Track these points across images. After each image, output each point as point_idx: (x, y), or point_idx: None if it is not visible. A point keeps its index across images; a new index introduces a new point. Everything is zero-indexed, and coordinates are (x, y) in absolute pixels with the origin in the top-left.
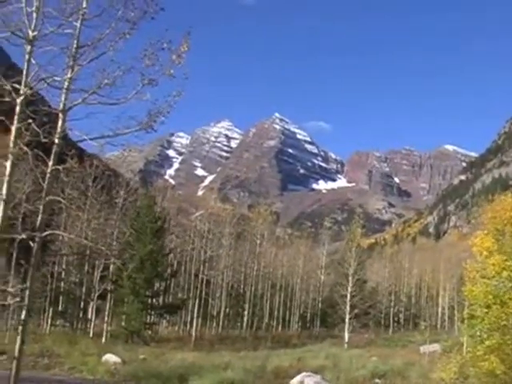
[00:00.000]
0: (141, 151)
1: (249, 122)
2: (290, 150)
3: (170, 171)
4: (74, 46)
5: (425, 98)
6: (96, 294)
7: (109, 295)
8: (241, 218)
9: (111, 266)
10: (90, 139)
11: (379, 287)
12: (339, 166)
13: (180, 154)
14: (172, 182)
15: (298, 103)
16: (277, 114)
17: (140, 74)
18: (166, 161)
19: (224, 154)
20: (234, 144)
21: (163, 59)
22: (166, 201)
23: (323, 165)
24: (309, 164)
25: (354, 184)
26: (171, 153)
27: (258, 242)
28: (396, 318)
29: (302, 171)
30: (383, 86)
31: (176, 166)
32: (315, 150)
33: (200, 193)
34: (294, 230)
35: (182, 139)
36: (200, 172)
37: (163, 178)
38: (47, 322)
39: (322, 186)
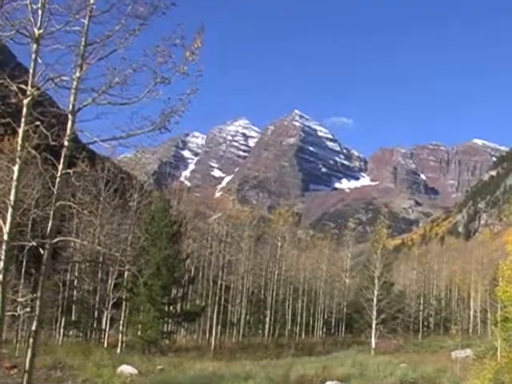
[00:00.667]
0: (154, 152)
1: (267, 120)
2: (311, 148)
3: (186, 173)
4: (82, 43)
5: (452, 90)
6: (110, 303)
7: (124, 304)
8: (260, 220)
9: (126, 273)
10: (102, 141)
11: (407, 290)
12: (362, 163)
13: (196, 154)
14: (188, 183)
15: (318, 98)
16: (296, 111)
17: (152, 72)
18: (181, 162)
19: (241, 153)
20: (251, 143)
21: (176, 56)
22: (181, 204)
23: (346, 163)
24: (331, 162)
25: (378, 182)
26: (186, 153)
27: (279, 244)
28: (425, 323)
29: (323, 170)
30: (408, 79)
31: (192, 167)
32: (337, 148)
33: (217, 194)
34: (316, 232)
35: (197, 139)
36: (217, 173)
37: (178, 180)
38: (59, 333)
39: (344, 184)
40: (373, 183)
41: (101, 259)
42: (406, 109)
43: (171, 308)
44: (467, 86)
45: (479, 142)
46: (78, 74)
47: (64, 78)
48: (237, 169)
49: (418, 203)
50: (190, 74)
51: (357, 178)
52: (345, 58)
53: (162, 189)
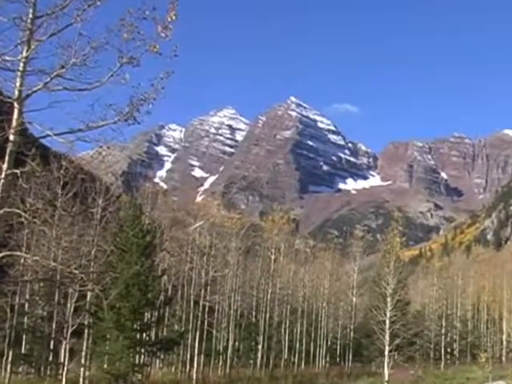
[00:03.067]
0: (122, 149)
1: (257, 109)
2: (310, 142)
3: (161, 173)
4: (30, 15)
5: (477, 74)
6: (69, 331)
7: (86, 331)
8: (251, 229)
9: (88, 295)
10: (56, 135)
11: (426, 310)
12: (371, 160)
13: (173, 150)
14: (164, 186)
15: (318, 84)
16: (292, 98)
17: (117, 52)
18: (155, 160)
19: (227, 149)
20: (239, 137)
21: (146, 32)
22: (156, 210)
23: (351, 159)
24: (334, 159)
25: (390, 182)
26: (162, 150)
27: (273, 257)
28: (449, 349)
29: (325, 168)
30: (423, 60)
31: (168, 166)
32: (341, 141)
33: (199, 199)
34: (317, 242)
35: (174, 132)
36: (198, 173)
37: (152, 182)
38: (6, 369)
39: (350, 185)
40: (384, 183)
41: (57, 278)
42: (423, 95)
43: (144, 335)
44: (494, 68)
45: (511, 132)
46: (24, 54)
47: (7, 57)
48: (222, 168)
49: (437, 206)
50: (164, 53)
51: (365, 178)
52: (349, 36)
53: (133, 192)
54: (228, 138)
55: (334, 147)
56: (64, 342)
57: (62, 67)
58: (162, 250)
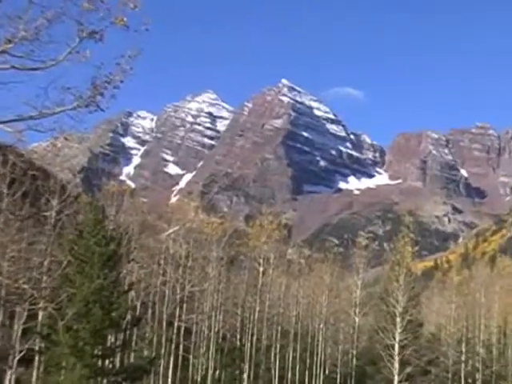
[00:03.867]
0: (82, 140)
1: (243, 94)
2: (305, 133)
3: (128, 169)
4: None
5: (500, 57)
6: (16, 358)
7: (37, 358)
8: (235, 236)
9: (40, 314)
10: (2, 122)
11: (443, 333)
12: (378, 154)
13: (142, 143)
14: (131, 184)
15: (314, 66)
16: (284, 81)
17: (76, 24)
18: (121, 154)
19: (207, 141)
20: (221, 126)
21: (110, 1)
22: (122, 213)
23: (354, 153)
24: (333, 153)
25: (400, 181)
26: (129, 142)
27: (261, 269)
28: (470, 380)
29: (322, 163)
30: (438, 37)
31: (136, 161)
32: (342, 132)
33: (173, 200)
34: (313, 251)
35: (144, 121)
36: (173, 169)
37: (118, 180)
38: None
39: (352, 184)
40: (392, 182)
41: (2, 294)
42: (439, 78)
43: (107, 362)
44: None
45: None
46: None
47: None
48: (201, 163)
49: (456, 210)
50: (132, 27)
51: (369, 175)
52: (351, 11)
53: (94, 192)
54: (208, 128)
55: (334, 139)
56: (9, 372)
57: (9, 41)
58: (130, 261)
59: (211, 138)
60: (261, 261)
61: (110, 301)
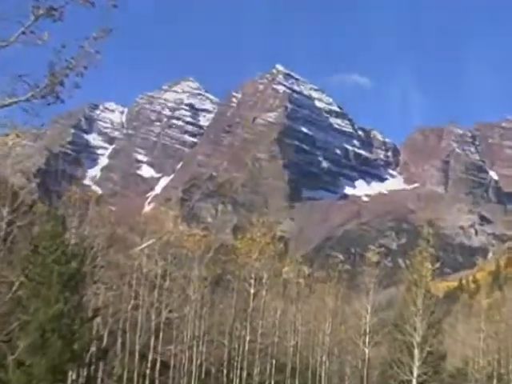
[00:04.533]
0: (38, 137)
1: (230, 82)
2: (304, 129)
3: (94, 171)
4: None
5: None
6: None
7: None
8: (221, 251)
9: None
10: None
11: (470, 367)
12: (390, 153)
13: (110, 140)
14: (98, 190)
15: (313, 50)
16: (279, 67)
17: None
18: (85, 153)
19: (188, 138)
20: (204, 121)
21: None
22: (86, 224)
23: (363, 152)
24: (337, 152)
25: (417, 185)
26: (94, 139)
27: (253, 291)
28: None
29: (325, 164)
30: (462, 24)
31: (104, 162)
32: (348, 127)
33: (148, 208)
34: (314, 269)
35: (112, 115)
36: (147, 171)
37: (81, 184)
38: None
39: (361, 189)
40: (408, 186)
41: None
42: (462, 63)
43: None
44: None
45: None
46: None
47: None
48: (180, 165)
49: (485, 219)
50: (98, 4)
51: (381, 179)
52: None
53: (52, 199)
54: (188, 123)
55: (338, 136)
56: None
57: None
58: (95, 282)
59: (193, 135)
60: (252, 281)
61: (72, 330)
